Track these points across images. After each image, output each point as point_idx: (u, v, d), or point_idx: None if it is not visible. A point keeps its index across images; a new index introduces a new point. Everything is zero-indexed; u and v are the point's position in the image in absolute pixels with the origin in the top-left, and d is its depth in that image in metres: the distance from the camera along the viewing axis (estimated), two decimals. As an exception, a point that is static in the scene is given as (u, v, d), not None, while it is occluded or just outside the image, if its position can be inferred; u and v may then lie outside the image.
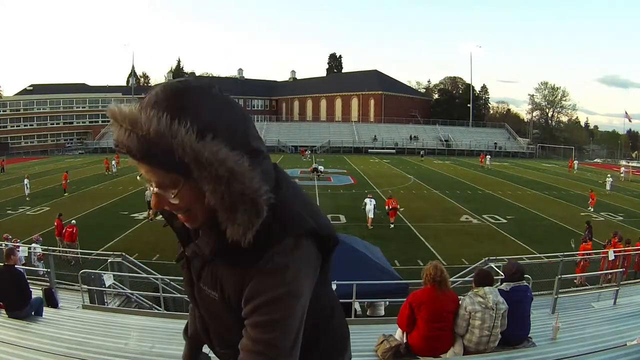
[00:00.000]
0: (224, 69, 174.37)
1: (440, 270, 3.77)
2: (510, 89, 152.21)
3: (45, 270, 9.15)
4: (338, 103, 72.63)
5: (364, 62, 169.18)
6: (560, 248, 11.75)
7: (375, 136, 57.75)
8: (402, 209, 17.75)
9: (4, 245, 8.64)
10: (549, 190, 26.21)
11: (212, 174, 0.82)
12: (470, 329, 3.71)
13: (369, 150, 54.33)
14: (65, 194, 22.10)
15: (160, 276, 7.96)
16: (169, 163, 0.83)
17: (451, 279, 4.82)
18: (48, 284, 7.85)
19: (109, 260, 8.53)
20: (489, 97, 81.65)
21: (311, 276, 0.99)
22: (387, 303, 7.52)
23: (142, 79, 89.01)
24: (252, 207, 0.86)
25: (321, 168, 30.78)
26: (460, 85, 77.95)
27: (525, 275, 4.82)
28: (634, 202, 23.29)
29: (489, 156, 43.16)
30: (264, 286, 0.91)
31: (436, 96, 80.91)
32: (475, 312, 3.68)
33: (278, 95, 79.53)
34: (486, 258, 9.15)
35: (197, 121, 0.82)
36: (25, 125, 57.61)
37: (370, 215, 16.04)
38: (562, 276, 6.30)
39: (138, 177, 0.93)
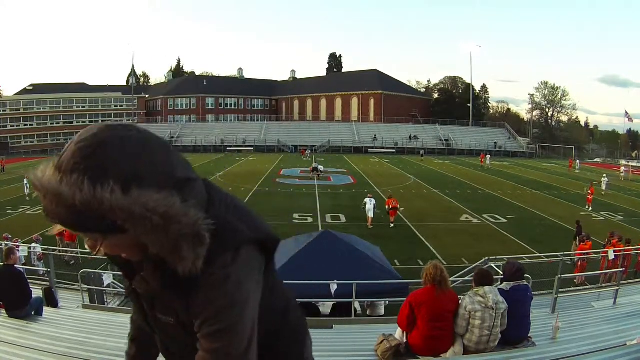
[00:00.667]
0: (224, 69, 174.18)
1: (440, 270, 3.77)
2: (510, 89, 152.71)
3: (46, 270, 9.15)
4: (338, 103, 72.60)
5: (364, 62, 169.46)
6: (560, 248, 11.77)
7: (375, 136, 57.74)
8: (402, 209, 17.75)
9: (3, 245, 8.65)
10: (549, 190, 26.21)
11: (148, 226, 0.82)
12: (470, 329, 3.71)
13: (369, 150, 54.31)
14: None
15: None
16: (103, 227, 0.82)
17: (451, 279, 4.82)
18: (48, 283, 7.85)
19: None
20: (489, 97, 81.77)
21: (256, 279, 1.02)
22: (387, 303, 7.53)
23: (142, 79, 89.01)
24: (195, 240, 0.87)
25: (321, 168, 30.76)
26: (460, 85, 77.91)
27: (525, 275, 4.82)
28: (634, 201, 23.29)
29: (489, 156, 43.19)
30: (209, 300, 0.94)
31: (436, 96, 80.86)
32: (475, 311, 3.68)
33: (278, 95, 79.50)
34: (486, 258, 9.16)
35: (118, 177, 0.80)
36: (25, 125, 57.63)
37: (370, 214, 16.04)
38: (562, 276, 6.30)
39: None
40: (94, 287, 7.30)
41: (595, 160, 57.65)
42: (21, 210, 18.57)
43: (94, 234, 0.85)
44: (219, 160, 41.75)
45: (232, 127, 61.13)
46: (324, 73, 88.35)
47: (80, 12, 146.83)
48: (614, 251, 10.01)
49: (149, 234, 0.83)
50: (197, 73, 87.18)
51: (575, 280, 9.35)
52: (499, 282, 4.32)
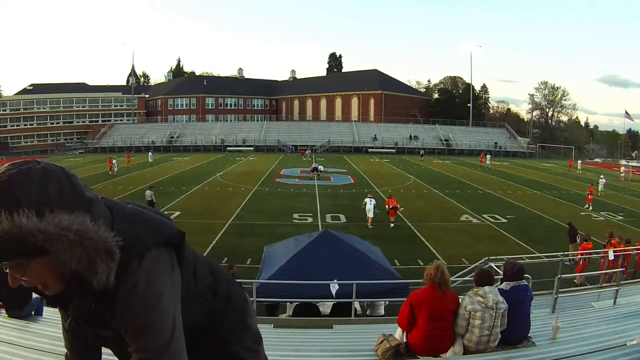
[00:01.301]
0: (224, 69, 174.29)
1: (441, 271, 3.77)
2: (510, 89, 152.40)
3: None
4: (338, 103, 72.61)
5: (364, 62, 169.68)
6: (560, 248, 11.79)
7: (375, 136, 57.73)
8: (402, 209, 17.77)
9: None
10: (549, 190, 26.21)
11: (65, 243, 0.93)
12: (470, 329, 3.71)
13: (369, 150, 54.28)
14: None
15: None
16: (27, 249, 0.92)
17: (451, 279, 4.81)
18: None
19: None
20: (489, 97, 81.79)
21: (168, 274, 1.14)
22: (387, 303, 7.53)
23: (142, 79, 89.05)
24: (106, 255, 0.99)
25: (321, 168, 30.76)
26: (460, 85, 77.91)
27: (525, 275, 4.82)
28: (634, 201, 23.30)
29: (489, 156, 43.16)
30: (126, 305, 1.06)
31: (436, 96, 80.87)
32: (475, 311, 3.68)
33: (278, 95, 79.51)
34: (486, 258, 9.16)
35: (31, 205, 0.92)
36: (25, 125, 57.63)
37: (370, 214, 16.05)
38: (562, 276, 6.30)
39: None
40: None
41: (595, 160, 57.64)
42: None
43: (21, 258, 0.96)
44: (219, 160, 41.73)
45: (232, 127, 61.12)
46: (324, 73, 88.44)
47: (80, 12, 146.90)
48: (614, 251, 10.02)
49: (67, 251, 0.94)
50: (197, 73, 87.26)
51: (575, 280, 9.35)
52: (499, 282, 4.32)
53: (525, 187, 27.01)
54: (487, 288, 3.77)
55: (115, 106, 65.94)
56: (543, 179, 32.11)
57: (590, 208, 20.25)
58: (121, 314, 1.07)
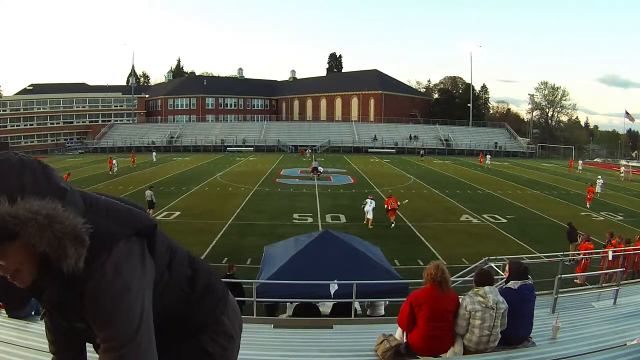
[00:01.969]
0: (224, 69, 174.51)
1: (441, 271, 3.77)
2: (510, 89, 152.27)
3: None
4: (338, 103, 72.62)
5: (364, 62, 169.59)
6: (560, 248, 11.79)
7: (375, 136, 57.74)
8: (405, 201, 17.95)
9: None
10: (549, 190, 26.22)
11: (35, 226, 0.96)
12: (470, 329, 3.71)
13: (369, 150, 54.28)
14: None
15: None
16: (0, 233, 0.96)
17: (451, 279, 4.81)
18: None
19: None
20: (489, 97, 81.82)
21: (138, 265, 1.17)
22: (387, 303, 7.52)
23: (142, 79, 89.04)
24: (76, 240, 1.01)
25: (321, 168, 30.75)
26: (460, 85, 77.92)
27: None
28: (634, 201, 23.30)
29: (489, 156, 43.18)
30: (93, 293, 1.09)
31: (436, 96, 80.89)
32: (475, 311, 3.68)
33: (278, 95, 79.51)
34: (486, 258, 9.16)
35: (4, 191, 0.98)
36: (25, 125, 57.62)
37: (369, 215, 16.02)
38: (562, 276, 6.29)
39: None
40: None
41: (596, 160, 57.65)
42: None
43: None
44: (219, 161, 41.73)
45: (232, 127, 61.12)
46: (324, 73, 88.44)
47: (80, 12, 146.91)
48: (613, 252, 10.01)
49: (37, 234, 0.97)
50: (197, 73, 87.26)
51: (575, 280, 9.35)
52: (503, 282, 4.31)
53: (525, 187, 27.01)
54: (487, 288, 3.77)
55: (115, 106, 65.94)
56: (543, 179, 32.11)
57: (588, 206, 20.28)
58: (89, 303, 1.10)
